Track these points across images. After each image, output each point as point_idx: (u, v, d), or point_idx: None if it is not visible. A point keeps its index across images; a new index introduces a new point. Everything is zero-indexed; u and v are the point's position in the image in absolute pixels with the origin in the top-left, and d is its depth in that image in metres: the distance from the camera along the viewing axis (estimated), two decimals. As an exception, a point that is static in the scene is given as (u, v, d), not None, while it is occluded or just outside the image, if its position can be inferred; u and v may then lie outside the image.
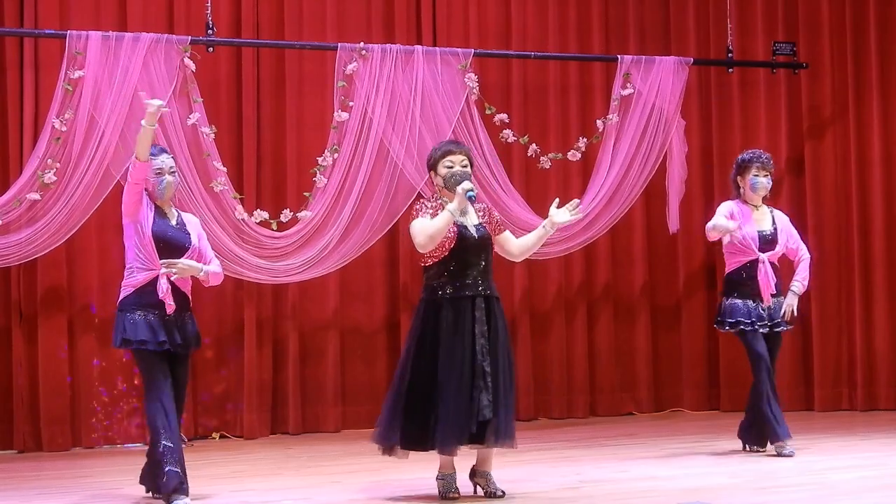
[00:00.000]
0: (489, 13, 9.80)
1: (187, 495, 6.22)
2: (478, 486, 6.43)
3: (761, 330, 7.68)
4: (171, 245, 6.33)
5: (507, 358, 6.33)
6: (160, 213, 6.39)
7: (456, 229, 6.30)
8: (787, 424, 7.68)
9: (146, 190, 6.34)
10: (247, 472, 7.58)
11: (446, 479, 6.39)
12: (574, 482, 6.88)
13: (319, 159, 8.96)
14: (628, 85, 9.61)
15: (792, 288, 7.76)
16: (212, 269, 6.48)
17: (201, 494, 6.54)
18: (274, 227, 8.91)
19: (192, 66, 8.62)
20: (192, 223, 6.57)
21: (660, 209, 9.86)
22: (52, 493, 6.93)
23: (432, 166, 6.47)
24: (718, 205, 8.00)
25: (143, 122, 6.17)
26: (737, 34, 10.11)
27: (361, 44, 9.07)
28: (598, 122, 9.66)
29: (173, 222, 6.43)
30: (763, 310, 7.69)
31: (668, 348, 10.23)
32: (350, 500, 6.55)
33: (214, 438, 9.04)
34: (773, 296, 7.71)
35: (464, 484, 6.43)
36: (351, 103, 8.97)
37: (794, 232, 7.93)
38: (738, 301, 7.69)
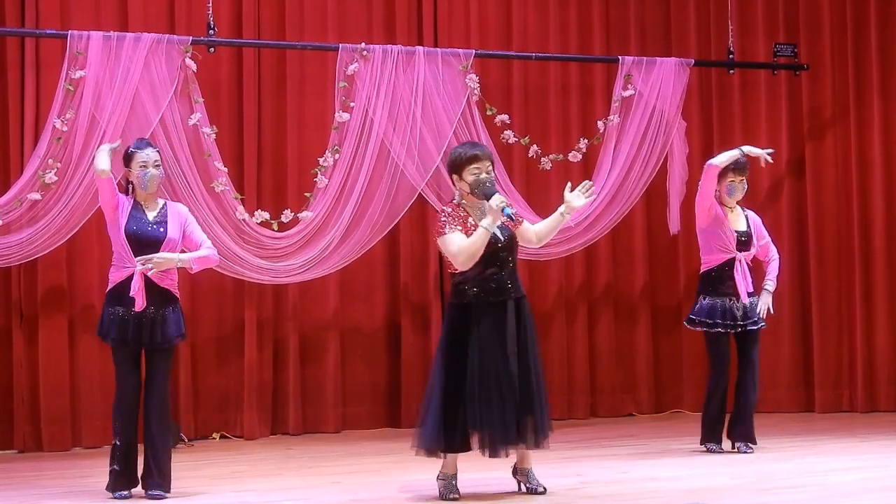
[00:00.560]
0: (490, 14, 9.79)
1: (126, 489, 6.50)
2: (521, 484, 6.51)
3: (733, 331, 7.87)
4: (143, 242, 6.45)
5: (536, 357, 6.37)
6: (138, 208, 6.49)
7: None
8: (722, 434, 7.89)
9: (131, 183, 6.55)
10: (247, 473, 7.57)
11: (447, 480, 6.40)
12: (575, 483, 6.87)
13: (320, 160, 8.96)
14: (629, 86, 9.60)
15: (766, 287, 7.99)
16: (195, 256, 6.55)
17: (201, 494, 6.53)
18: (275, 227, 8.91)
19: (194, 67, 8.62)
20: (175, 213, 6.64)
21: (661, 210, 9.86)
22: (52, 493, 6.92)
23: (457, 170, 6.41)
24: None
25: (105, 145, 6.58)
26: (738, 35, 10.11)
27: (362, 44, 9.07)
28: (599, 124, 9.66)
29: (151, 216, 6.51)
30: (737, 309, 7.84)
31: (668, 349, 10.24)
32: (350, 500, 6.56)
33: (215, 438, 9.03)
34: (749, 294, 7.86)
35: (464, 484, 6.44)
36: (352, 104, 8.97)
37: (765, 232, 8.15)
38: (717, 300, 7.87)
